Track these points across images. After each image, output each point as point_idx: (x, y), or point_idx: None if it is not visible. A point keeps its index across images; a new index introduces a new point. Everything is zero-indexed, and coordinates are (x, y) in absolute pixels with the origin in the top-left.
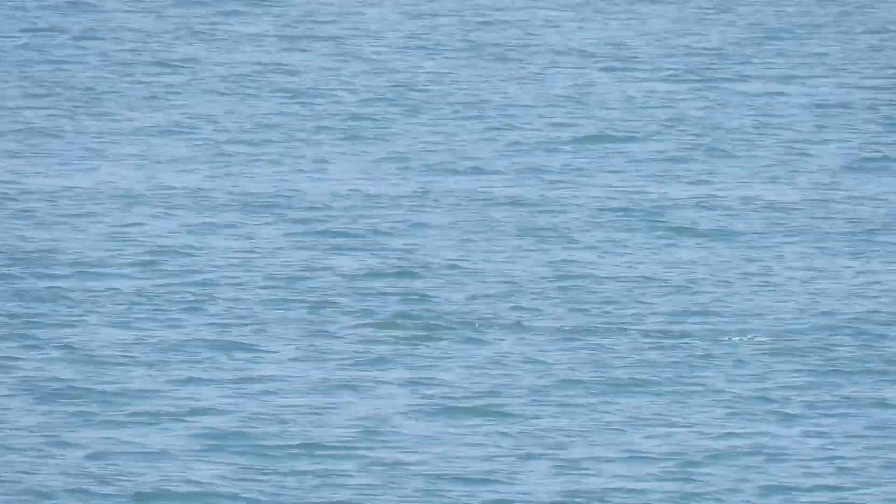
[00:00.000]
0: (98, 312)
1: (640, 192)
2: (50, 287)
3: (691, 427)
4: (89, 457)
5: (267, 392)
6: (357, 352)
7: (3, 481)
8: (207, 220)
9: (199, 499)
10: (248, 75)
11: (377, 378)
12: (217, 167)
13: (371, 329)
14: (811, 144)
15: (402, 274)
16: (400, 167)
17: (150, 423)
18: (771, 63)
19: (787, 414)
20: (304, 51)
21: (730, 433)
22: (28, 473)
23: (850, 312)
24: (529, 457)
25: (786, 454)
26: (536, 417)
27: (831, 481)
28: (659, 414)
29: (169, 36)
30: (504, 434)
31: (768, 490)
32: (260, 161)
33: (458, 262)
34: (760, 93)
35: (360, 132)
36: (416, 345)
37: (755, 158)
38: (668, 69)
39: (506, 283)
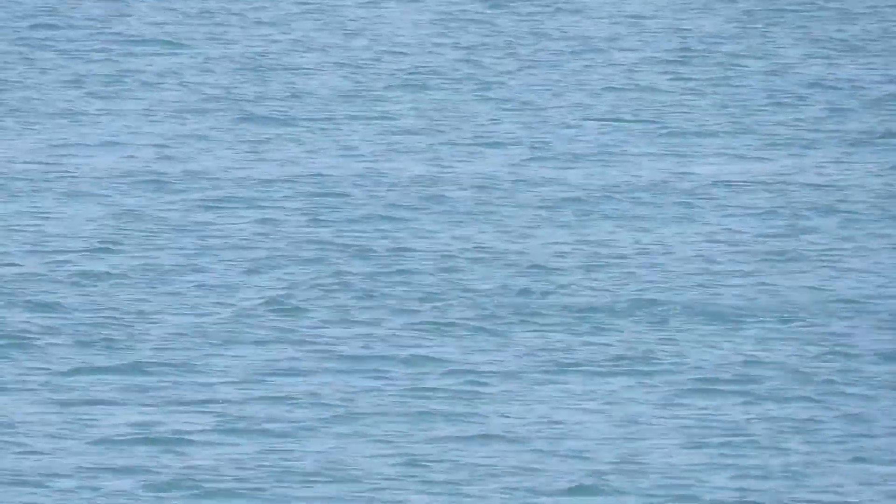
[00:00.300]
0: (117, 293)
1: (660, 171)
2: (68, 268)
3: (714, 406)
4: (104, 440)
5: (287, 374)
6: (378, 334)
7: (18, 464)
8: (228, 199)
9: (220, 482)
10: (267, 55)
11: (398, 359)
12: (237, 146)
13: (393, 311)
14: (829, 121)
15: (425, 253)
16: (420, 146)
17: (168, 406)
18: (789, 42)
19: (812, 392)
20: (323, 30)
21: (754, 414)
22: (43, 455)
23: (872, 290)
24: (551, 437)
25: (809, 433)
26: (561, 397)
27: (856, 455)
28: (681, 393)
29: (185, 16)
30: (522, 418)
31: (792, 468)
32: (280, 140)
33: (479, 242)
34: (779, 70)
35: (380, 112)
36: (440, 325)
37: (773, 136)
38: (684, 48)
39: (528, 261)
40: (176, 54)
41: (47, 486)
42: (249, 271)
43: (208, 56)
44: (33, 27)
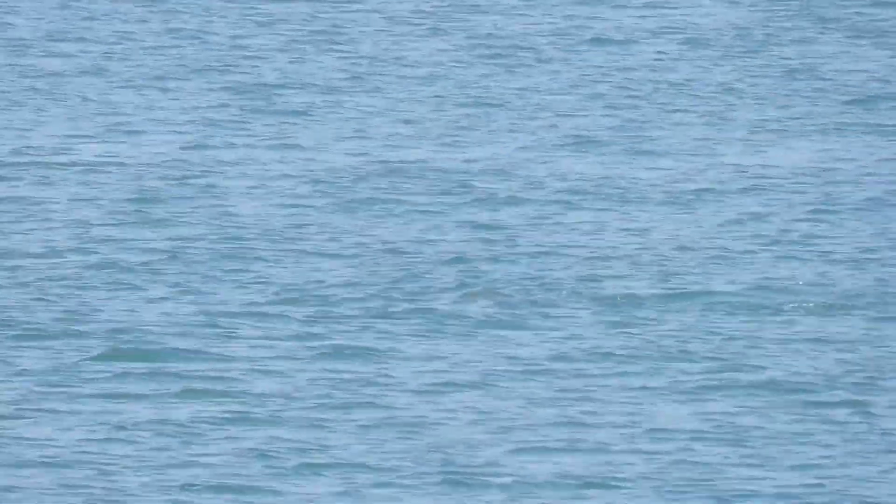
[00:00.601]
0: (141, 283)
1: (688, 162)
2: (89, 259)
3: (744, 400)
4: (125, 430)
5: (311, 366)
6: (400, 326)
7: (31, 453)
8: (251, 190)
9: (241, 474)
10: (292, 46)
11: (420, 352)
12: (260, 138)
13: (416, 303)
14: (858, 111)
15: (449, 244)
16: (443, 137)
17: (189, 398)
18: (816, 31)
19: (843, 385)
20: (345, 24)
21: (785, 408)
22: (61, 447)
23: None
24: (575, 430)
25: (843, 426)
26: (588, 390)
27: (889, 449)
28: (710, 386)
29: (208, 10)
30: (548, 410)
31: (821, 463)
32: (304, 131)
33: (501, 233)
34: (807, 59)
35: (403, 103)
36: (463, 317)
37: (802, 126)
38: (710, 37)
39: (554, 252)
40: (202, 47)
41: (63, 477)
42: (274, 262)
43: (233, 48)
44: (63, 19)
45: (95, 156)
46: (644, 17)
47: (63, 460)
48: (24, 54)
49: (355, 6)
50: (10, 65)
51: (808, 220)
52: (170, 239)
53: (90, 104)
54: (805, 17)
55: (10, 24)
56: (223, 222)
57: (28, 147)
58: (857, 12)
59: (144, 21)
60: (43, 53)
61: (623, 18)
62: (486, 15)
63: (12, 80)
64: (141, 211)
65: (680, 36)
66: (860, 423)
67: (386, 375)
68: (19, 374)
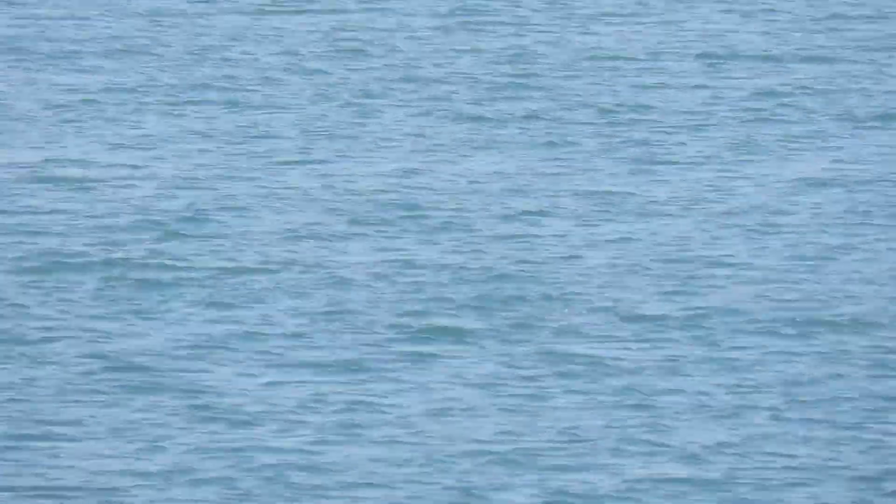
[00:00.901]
0: (157, 301)
1: (706, 182)
2: (109, 274)
3: (768, 420)
4: (135, 443)
5: (324, 380)
6: (417, 342)
7: (43, 473)
8: (271, 206)
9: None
10: (314, 60)
11: (418, 368)
12: (278, 150)
13: (415, 321)
14: (875, 117)
15: (472, 261)
16: (444, 153)
17: (200, 416)
18: (832, 42)
19: (864, 406)
20: (342, 38)
21: (805, 428)
22: (71, 467)
23: None
24: (576, 447)
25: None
26: (589, 403)
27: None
28: (726, 406)
29: (225, 25)
30: (548, 427)
31: (852, 486)
32: (328, 143)
33: (526, 250)
34: (824, 66)
35: (403, 120)
36: (466, 334)
37: (830, 143)
38: (720, 54)
39: (559, 269)
40: (222, 63)
41: (75, 499)
42: (294, 278)
43: (253, 66)
44: (86, 35)
45: (116, 172)
46: (667, 33)
47: (75, 481)
48: (48, 70)
49: (378, 22)
50: (34, 79)
51: (835, 235)
52: (190, 255)
53: (113, 121)
54: (828, 33)
55: (34, 40)
56: (244, 238)
57: (50, 161)
58: (880, 29)
59: (166, 42)
60: (67, 69)
61: (646, 35)
62: (509, 33)
63: (37, 95)
64: (161, 227)
65: (702, 51)
66: (889, 441)
67: (404, 394)
68: (37, 389)
